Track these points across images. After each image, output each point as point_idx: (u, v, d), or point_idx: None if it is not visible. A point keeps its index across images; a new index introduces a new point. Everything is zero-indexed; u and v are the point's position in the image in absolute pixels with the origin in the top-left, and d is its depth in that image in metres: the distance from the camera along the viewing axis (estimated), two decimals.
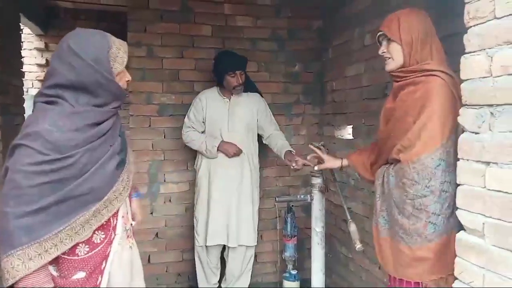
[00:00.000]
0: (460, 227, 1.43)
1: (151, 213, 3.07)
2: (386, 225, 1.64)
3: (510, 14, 1.10)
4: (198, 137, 2.81)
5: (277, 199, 2.49)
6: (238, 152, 2.77)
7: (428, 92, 1.47)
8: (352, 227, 2.07)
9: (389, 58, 1.60)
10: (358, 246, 2.01)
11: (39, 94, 1.34)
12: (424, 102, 1.47)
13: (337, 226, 3.12)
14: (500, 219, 1.14)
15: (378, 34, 1.65)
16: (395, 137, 1.59)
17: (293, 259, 2.77)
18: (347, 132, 3.02)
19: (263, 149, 3.28)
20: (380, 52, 1.65)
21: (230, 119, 2.80)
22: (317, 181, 2.37)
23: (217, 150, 2.76)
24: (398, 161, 1.56)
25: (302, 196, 2.45)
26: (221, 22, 3.13)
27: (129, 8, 3.00)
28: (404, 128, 1.53)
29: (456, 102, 1.43)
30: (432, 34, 1.58)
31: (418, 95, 1.51)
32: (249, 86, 2.87)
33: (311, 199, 2.39)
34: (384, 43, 1.63)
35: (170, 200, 3.12)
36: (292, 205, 2.77)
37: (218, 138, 2.78)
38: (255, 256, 3.01)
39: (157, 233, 3.08)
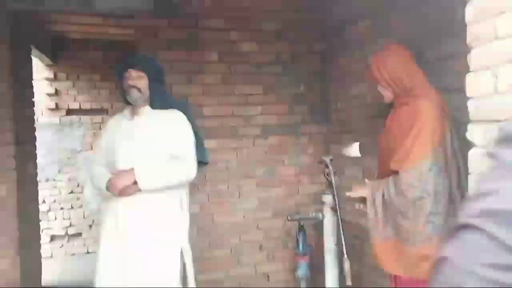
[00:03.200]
0: None
1: None
2: (390, 231, 1.81)
3: (511, 34, 1.18)
4: (95, 172, 2.15)
5: (289, 217, 2.53)
6: (127, 191, 2.00)
7: (417, 110, 1.74)
8: (346, 265, 2.18)
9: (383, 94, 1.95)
10: (349, 282, 2.18)
11: None
12: (415, 118, 1.73)
13: (349, 242, 3.13)
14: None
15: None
16: (392, 150, 1.81)
17: (306, 277, 2.78)
18: (354, 150, 3.08)
19: (273, 168, 3.34)
20: (378, 90, 1.99)
21: (128, 143, 2.06)
22: (327, 198, 2.42)
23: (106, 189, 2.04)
24: (395, 172, 1.77)
25: (313, 214, 2.50)
26: (228, 48, 3.24)
27: (138, 38, 3.11)
28: (400, 142, 1.77)
29: (442, 116, 1.72)
30: (409, 66, 1.86)
31: (409, 113, 1.78)
32: (167, 102, 2.20)
33: (323, 217, 2.43)
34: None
35: None
36: (303, 223, 2.80)
37: (107, 174, 2.06)
38: (268, 276, 3.00)
39: None
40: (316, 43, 3.43)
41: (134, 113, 2.15)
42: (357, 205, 2.02)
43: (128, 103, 2.17)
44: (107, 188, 2.01)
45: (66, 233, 5.02)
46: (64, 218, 4.99)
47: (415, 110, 1.75)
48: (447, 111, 1.79)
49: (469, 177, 1.36)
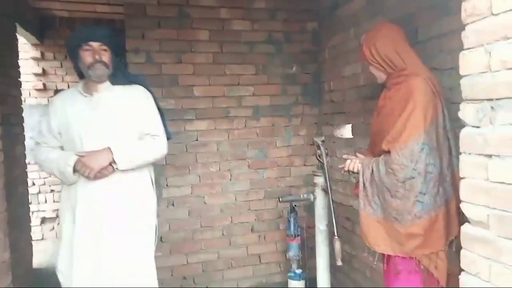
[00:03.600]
0: (447, 206, 1.73)
1: None
2: (378, 208, 1.82)
3: (506, 10, 1.14)
4: (52, 155, 1.96)
5: (280, 199, 2.52)
6: (104, 172, 1.91)
7: (410, 89, 1.72)
8: (337, 245, 2.16)
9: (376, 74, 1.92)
10: (339, 263, 2.16)
11: None
12: (407, 97, 1.71)
13: (340, 224, 3.15)
14: (505, 210, 1.18)
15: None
16: (384, 131, 1.79)
17: (297, 258, 2.80)
18: (346, 131, 3.06)
19: (264, 150, 3.32)
20: (370, 71, 1.97)
21: (92, 122, 1.94)
22: (319, 180, 2.41)
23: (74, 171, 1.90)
24: (387, 152, 1.77)
25: (305, 196, 2.49)
26: (218, 26, 3.16)
27: (127, 16, 3.02)
28: (392, 122, 1.75)
29: (434, 96, 1.70)
30: (401, 45, 1.83)
31: (401, 92, 1.75)
32: (127, 77, 2.10)
33: (314, 198, 2.43)
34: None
35: (173, 204, 3.14)
36: (295, 205, 2.80)
37: (74, 154, 1.91)
38: (259, 256, 3.02)
39: (161, 237, 3.10)
40: (309, 22, 3.37)
41: (92, 89, 1.97)
42: (344, 170, 1.97)
43: (82, 78, 2.02)
44: (77, 171, 1.87)
45: (57, 215, 4.99)
46: (54, 201, 4.96)
47: (408, 90, 1.73)
48: (440, 91, 1.77)
49: (460, 157, 1.35)
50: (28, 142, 3.63)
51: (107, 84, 2.00)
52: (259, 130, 3.33)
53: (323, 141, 2.34)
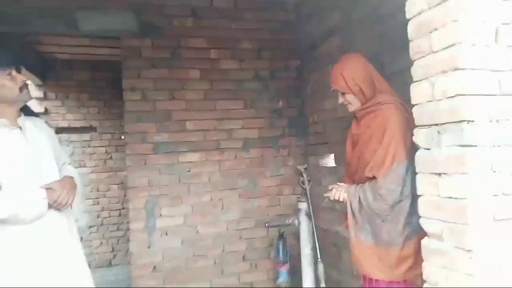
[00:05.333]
0: None
1: (149, 247, 3.19)
2: (369, 235, 1.85)
3: (443, 48, 1.35)
4: (4, 198, 1.66)
5: (266, 224, 2.65)
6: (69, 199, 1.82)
7: (385, 117, 1.78)
8: (320, 267, 2.26)
9: (348, 104, 1.95)
10: (323, 284, 2.23)
11: None
12: (384, 124, 1.77)
13: (326, 250, 3.25)
14: (454, 222, 1.33)
15: (332, 89, 1.98)
16: (365, 157, 1.85)
17: (287, 284, 2.88)
18: (330, 160, 3.23)
19: (255, 180, 3.47)
20: (340, 102, 2.00)
21: (34, 155, 1.78)
22: (303, 205, 2.54)
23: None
24: (371, 178, 1.81)
25: (290, 221, 2.61)
26: (208, 66, 3.40)
27: (123, 57, 3.27)
28: (372, 149, 1.81)
29: (408, 122, 1.74)
30: (372, 72, 1.90)
31: (378, 120, 1.81)
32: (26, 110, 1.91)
33: (299, 223, 2.55)
34: (340, 94, 1.96)
35: (166, 234, 3.25)
36: (283, 232, 2.91)
37: (30, 188, 1.73)
38: (251, 285, 3.11)
39: (154, 266, 3.18)
40: (292, 60, 3.62)
41: (10, 119, 1.76)
42: (329, 199, 1.99)
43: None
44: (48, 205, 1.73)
45: None
46: None
47: (383, 118, 1.79)
48: (412, 119, 1.88)
49: (417, 176, 1.50)
50: None
51: (22, 115, 1.86)
52: (249, 161, 3.49)
53: (305, 168, 2.50)
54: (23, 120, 1.82)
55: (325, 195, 2.03)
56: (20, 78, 1.77)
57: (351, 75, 1.87)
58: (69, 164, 2.03)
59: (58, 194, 1.75)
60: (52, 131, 2.03)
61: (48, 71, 4.92)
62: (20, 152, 1.74)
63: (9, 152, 1.71)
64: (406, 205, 1.74)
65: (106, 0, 3.14)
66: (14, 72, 1.76)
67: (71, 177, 1.88)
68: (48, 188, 1.75)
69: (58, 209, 1.78)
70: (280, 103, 3.59)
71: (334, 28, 3.02)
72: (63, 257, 1.79)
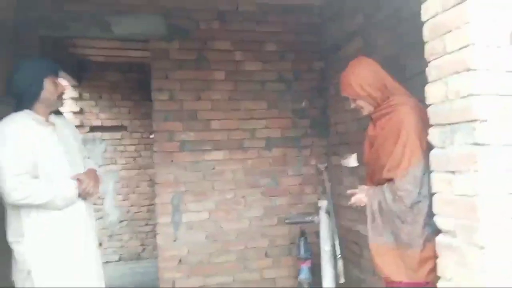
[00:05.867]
0: None
1: (174, 241, 3.33)
2: (390, 237, 1.86)
3: (456, 49, 1.38)
4: (44, 185, 1.89)
5: (286, 220, 2.71)
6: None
7: (400, 118, 1.80)
8: (339, 264, 2.28)
9: (361, 108, 1.97)
10: (342, 280, 2.26)
11: None
12: (399, 126, 1.79)
13: (348, 248, 3.28)
14: (466, 219, 1.36)
15: (343, 95, 2.01)
16: (381, 159, 1.88)
17: (308, 281, 2.94)
18: (352, 160, 3.26)
19: (277, 178, 3.54)
20: (352, 107, 2.02)
21: (65, 149, 2.01)
22: (323, 203, 2.60)
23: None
24: (389, 180, 1.83)
25: (310, 218, 2.67)
26: (233, 67, 3.51)
27: (152, 59, 3.42)
28: (388, 151, 1.83)
29: (423, 122, 1.72)
30: (382, 76, 1.91)
31: (393, 122, 1.83)
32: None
33: (319, 221, 2.61)
34: (351, 100, 1.99)
35: (191, 228, 3.38)
36: (304, 229, 2.97)
37: (64, 178, 1.96)
38: (274, 280, 3.17)
39: (180, 259, 3.32)
40: (315, 62, 3.68)
41: (45, 118, 2.01)
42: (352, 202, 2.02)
43: (26, 107, 1.96)
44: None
45: None
46: None
47: (398, 119, 1.80)
48: (427, 119, 1.87)
49: (431, 175, 1.54)
50: None
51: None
52: (271, 160, 3.57)
53: (326, 167, 2.55)
54: (54, 118, 2.06)
55: (348, 203, 2.04)
56: (61, 86, 2.06)
57: (358, 82, 1.88)
58: (88, 158, 2.24)
59: (86, 184, 1.98)
60: (75, 128, 2.29)
61: (83, 73, 5.18)
62: (54, 146, 1.97)
63: (45, 145, 1.93)
64: (424, 205, 1.74)
65: (137, 5, 3.30)
66: (57, 80, 2.05)
67: (95, 170, 2.11)
68: (76, 179, 1.97)
69: (85, 199, 2.00)
70: (304, 103, 3.65)
71: (356, 30, 3.07)
72: (85, 243, 2.00)
